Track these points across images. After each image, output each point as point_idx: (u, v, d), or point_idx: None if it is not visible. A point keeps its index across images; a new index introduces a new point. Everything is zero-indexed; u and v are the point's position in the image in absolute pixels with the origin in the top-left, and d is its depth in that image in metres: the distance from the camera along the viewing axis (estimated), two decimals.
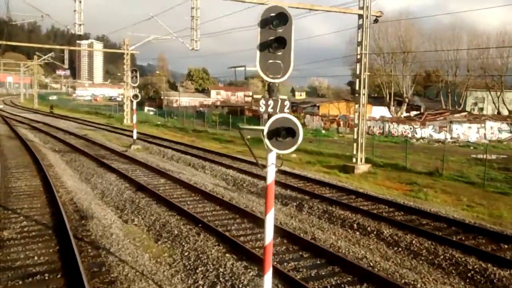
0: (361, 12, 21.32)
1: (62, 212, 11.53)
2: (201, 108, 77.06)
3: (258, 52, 6.10)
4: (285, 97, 6.43)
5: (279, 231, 11.03)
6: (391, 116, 53.94)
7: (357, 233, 11.75)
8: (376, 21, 21.99)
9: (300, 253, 9.82)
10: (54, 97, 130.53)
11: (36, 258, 8.84)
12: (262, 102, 6.16)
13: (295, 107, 58.81)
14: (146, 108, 75.25)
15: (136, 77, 27.64)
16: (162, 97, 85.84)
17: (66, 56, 42.62)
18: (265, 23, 6.04)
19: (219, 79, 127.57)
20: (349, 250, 10.20)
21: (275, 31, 6.06)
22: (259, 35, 6.07)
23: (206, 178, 18.57)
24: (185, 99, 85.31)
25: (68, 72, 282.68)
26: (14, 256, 8.93)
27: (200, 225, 11.55)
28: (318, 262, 9.33)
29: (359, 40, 21.69)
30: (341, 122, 47.22)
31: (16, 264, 8.57)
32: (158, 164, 21.06)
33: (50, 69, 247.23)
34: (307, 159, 25.82)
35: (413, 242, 10.85)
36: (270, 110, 6.20)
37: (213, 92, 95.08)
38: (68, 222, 10.79)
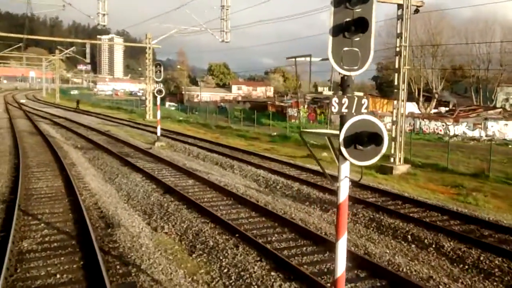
0: (401, 1, 19.87)
1: (86, 219, 10.52)
2: (222, 103, 76.06)
3: (330, 38, 4.88)
4: (361, 93, 5.19)
5: (326, 243, 9.84)
6: (419, 112, 52.05)
7: (413, 246, 10.47)
8: (417, 11, 20.49)
9: (356, 272, 8.59)
10: (76, 92, 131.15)
11: (58, 276, 7.81)
12: (334, 100, 4.93)
13: (320, 103, 57.28)
14: (167, 103, 74.57)
15: (160, 71, 26.65)
16: (183, 92, 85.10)
17: (88, 50, 41.98)
18: (340, 0, 4.82)
19: (239, 73, 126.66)
20: (410, 268, 8.93)
21: (352, 11, 4.84)
22: (331, 16, 4.85)
23: (236, 179, 17.43)
24: (206, 94, 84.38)
25: (89, 67, 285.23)
26: (34, 273, 7.92)
27: (237, 235, 10.42)
28: (379, 284, 8.09)
29: (399, 31, 20.25)
30: None
31: (36, 283, 7.55)
32: (185, 163, 20.01)
33: (72, 64, 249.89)
34: None
35: (481, 258, 9.53)
36: (344, 110, 4.96)
37: (234, 87, 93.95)
38: (93, 231, 9.77)
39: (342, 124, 4.94)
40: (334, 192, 15.06)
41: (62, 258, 8.58)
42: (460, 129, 39.84)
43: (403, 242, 10.66)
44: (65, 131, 31.78)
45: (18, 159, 19.10)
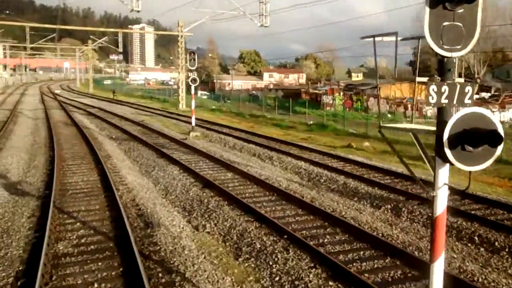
0: None
1: (124, 218, 9.86)
2: (254, 91, 75.17)
3: (426, 10, 3.88)
4: (462, 79, 4.18)
5: (385, 246, 8.89)
6: None
7: (482, 250, 9.37)
8: None
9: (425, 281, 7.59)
10: (109, 82, 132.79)
11: (96, 285, 7.13)
12: (432, 88, 3.94)
13: (355, 90, 55.65)
14: (199, 92, 74.09)
15: (194, 59, 25.91)
16: (214, 81, 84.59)
17: (120, 39, 41.73)
18: None
19: (269, 61, 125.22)
20: (485, 276, 7.89)
21: None
22: None
23: (277, 172, 16.56)
24: (238, 82, 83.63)
25: (121, 57, 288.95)
26: (70, 281, 7.28)
27: (285, 236, 9.56)
28: None
29: None
30: (409, 106, 43.83)
31: None
32: (222, 155, 19.26)
33: (104, 54, 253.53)
34: (382, 148, 23.27)
35: None
36: (443, 100, 3.96)
37: (265, 75, 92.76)
38: (132, 233, 9.09)
39: (441, 118, 3.95)
40: (385, 187, 14.09)
41: (100, 264, 7.91)
42: (506, 115, 37.76)
43: (470, 245, 9.58)
44: (100, 122, 31.57)
45: (53, 151, 18.76)
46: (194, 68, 26.08)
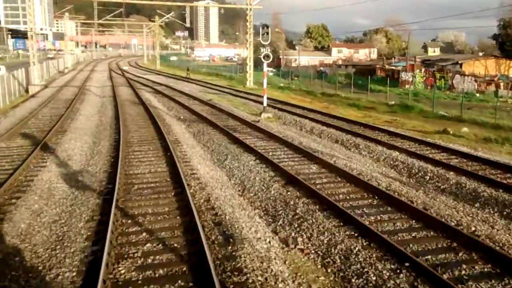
0: None
1: (199, 229, 7.95)
2: (321, 68, 71.78)
3: None
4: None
5: None
6: None
7: None
8: None
9: None
10: (175, 58, 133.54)
11: None
12: None
13: (435, 66, 51.04)
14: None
15: (268, 33, 23.68)
16: (280, 57, 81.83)
17: (188, 14, 40.23)
18: None
19: (334, 36, 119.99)
20: None
21: None
22: None
23: (368, 165, 14.12)
24: (305, 58, 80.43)
25: (186, 33, 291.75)
26: None
27: (407, 264, 7.25)
28: None
29: None
30: (501, 84, 39.19)
31: None
32: (301, 141, 17.05)
33: (170, 31, 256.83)
34: (484, 134, 20.05)
35: None
36: None
37: (334, 50, 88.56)
38: (210, 252, 7.15)
39: None
40: (503, 186, 11.28)
41: None
42: None
43: None
44: (167, 100, 30.28)
45: (118, 134, 17.39)
46: (267, 42, 23.86)
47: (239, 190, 11.45)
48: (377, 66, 57.51)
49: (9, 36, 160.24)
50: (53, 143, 16.09)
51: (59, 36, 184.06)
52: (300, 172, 12.77)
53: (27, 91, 36.14)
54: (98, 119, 21.94)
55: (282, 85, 47.80)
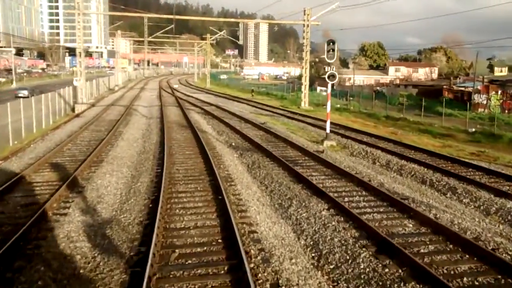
0: None
1: None
2: (378, 88, 67.85)
3: None
4: None
5: None
6: None
7: None
8: None
9: None
10: (225, 76, 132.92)
11: None
12: None
13: (504, 86, 46.10)
14: (318, 88, 68.84)
15: (333, 50, 20.74)
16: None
17: (241, 30, 37.90)
18: None
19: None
20: None
21: None
22: None
23: (478, 220, 10.76)
24: (359, 77, 76.61)
25: (236, 52, 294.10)
26: None
27: None
28: None
29: None
30: None
31: None
32: (380, 181, 13.85)
33: (220, 49, 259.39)
34: None
35: None
36: None
37: (391, 69, 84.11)
38: None
39: None
40: None
41: None
42: None
43: None
44: (217, 123, 27.77)
45: (161, 166, 14.83)
46: (333, 60, 20.91)
47: (313, 258, 8.44)
48: (444, 86, 52.98)
49: (67, 54, 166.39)
50: (84, 178, 13.68)
51: (114, 54, 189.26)
52: (393, 233, 9.60)
53: (73, 110, 34.87)
54: (141, 145, 19.58)
55: (338, 106, 44.50)
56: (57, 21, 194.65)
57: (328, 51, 20.79)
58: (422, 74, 79.31)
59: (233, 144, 20.74)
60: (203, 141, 19.86)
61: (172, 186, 12.89)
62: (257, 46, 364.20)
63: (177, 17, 37.84)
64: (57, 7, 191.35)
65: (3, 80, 69.05)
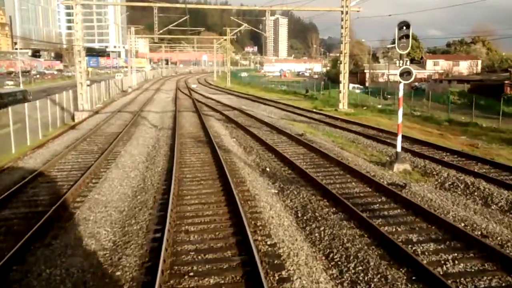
0: None
1: None
2: (416, 83, 61.20)
3: None
4: None
5: None
6: None
7: None
8: None
9: None
10: (245, 74, 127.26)
11: None
12: None
13: None
14: (350, 85, 62.41)
15: (407, 36, 14.78)
16: (365, 71, 71.96)
17: (267, 21, 32.10)
18: None
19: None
20: None
21: None
22: None
23: None
24: (393, 73, 69.86)
25: (255, 49, 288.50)
26: None
27: None
28: None
29: None
30: None
31: None
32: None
33: (239, 46, 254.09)
34: None
35: None
36: None
37: (429, 62, 76.83)
38: None
39: None
40: None
41: None
42: None
43: None
44: (243, 135, 22.06)
45: (163, 223, 9.21)
46: (406, 51, 14.95)
47: None
48: (506, 82, 46.01)
49: (84, 54, 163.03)
50: (32, 255, 8.10)
51: (131, 54, 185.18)
52: None
53: (73, 118, 29.65)
54: (140, 177, 13.97)
55: (380, 106, 38.31)
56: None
57: (400, 38, 14.80)
58: (464, 67, 72.04)
59: (268, 169, 15.01)
60: (225, 166, 14.20)
61: (178, 264, 7.25)
62: (276, 43, 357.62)
63: (190, 5, 32.15)
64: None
65: (10, 83, 64.59)
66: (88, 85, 33.07)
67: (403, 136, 21.52)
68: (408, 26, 14.73)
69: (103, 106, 38.22)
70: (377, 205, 11.12)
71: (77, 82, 30.46)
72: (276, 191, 12.58)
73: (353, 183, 13.07)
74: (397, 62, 15.27)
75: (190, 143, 19.61)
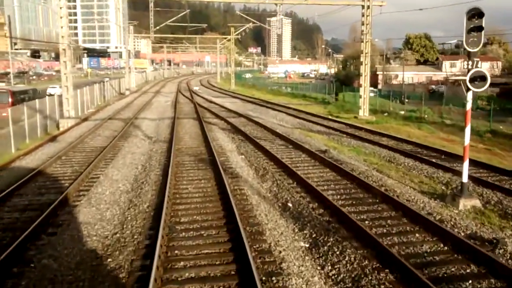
0: None
1: None
2: (433, 86, 57.31)
3: None
4: None
5: None
6: None
7: None
8: None
9: None
10: (249, 75, 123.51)
11: None
12: None
13: None
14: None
15: (480, 29, 10.93)
16: (377, 73, 67.99)
17: (278, 16, 28.35)
18: None
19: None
20: None
21: None
22: None
23: None
24: (407, 74, 66.03)
25: (259, 49, 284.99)
26: None
27: None
28: None
29: None
30: None
31: None
32: None
33: (243, 47, 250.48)
34: None
35: None
36: None
37: (445, 64, 72.58)
38: None
39: None
40: None
41: None
42: None
43: None
44: (253, 151, 18.23)
45: None
46: (477, 48, 11.13)
47: None
48: None
49: (85, 55, 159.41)
50: None
51: (135, 55, 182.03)
52: None
53: (59, 126, 25.96)
54: (119, 219, 10.18)
55: (403, 112, 34.43)
56: (75, 21, 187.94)
57: (468, 32, 10.97)
58: (484, 69, 67.72)
59: (290, 205, 11.24)
60: (236, 207, 10.44)
61: None
62: (280, 44, 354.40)
63: None
64: (75, 7, 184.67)
65: (1, 84, 60.91)
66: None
67: (445, 153, 17.76)
68: (481, 15, 10.90)
69: (96, 111, 34.51)
70: (469, 281, 7.31)
71: (62, 86, 26.68)
72: (307, 245, 8.82)
73: (416, 235, 9.24)
74: (464, 63, 11.45)
75: (189, 163, 15.81)
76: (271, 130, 23.44)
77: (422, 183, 13.45)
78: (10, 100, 27.22)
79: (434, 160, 16.18)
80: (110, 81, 55.44)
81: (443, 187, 13.02)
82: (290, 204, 11.39)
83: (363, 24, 29.23)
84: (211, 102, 42.31)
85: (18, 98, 28.70)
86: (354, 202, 11.44)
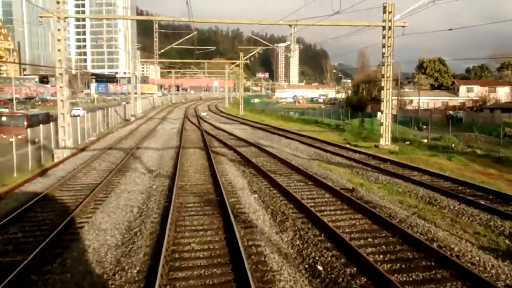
0: None
1: None
2: (451, 112, 54.84)
3: None
4: None
5: None
6: None
7: None
8: None
9: None
10: (257, 100, 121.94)
11: None
12: None
13: None
14: (378, 114, 56.18)
15: None
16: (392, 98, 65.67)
17: (292, 37, 26.20)
18: None
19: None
20: None
21: None
22: None
23: None
24: (423, 99, 63.65)
25: (267, 75, 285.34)
26: None
27: None
28: None
29: None
30: None
31: None
32: None
33: (250, 72, 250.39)
34: None
35: None
36: None
37: (462, 88, 70.12)
38: None
39: None
40: None
41: None
42: None
43: None
44: (267, 188, 15.78)
45: None
46: None
47: None
48: None
49: (93, 80, 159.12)
50: None
51: (143, 80, 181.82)
52: None
53: (54, 157, 23.76)
54: None
55: (426, 141, 31.88)
56: (84, 47, 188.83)
57: None
58: (503, 93, 65.36)
59: (321, 269, 8.75)
60: (251, 275, 7.95)
61: None
62: (287, 69, 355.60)
63: (194, 20, 26.33)
64: (84, 33, 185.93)
65: (3, 110, 59.37)
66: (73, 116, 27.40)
67: (492, 192, 15.24)
68: None
69: (97, 138, 32.38)
70: None
71: (58, 113, 24.56)
72: None
73: None
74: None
75: (193, 207, 13.37)
76: (286, 162, 21.03)
77: (479, 235, 10.90)
78: (25, 123, 27.76)
79: (483, 202, 13.63)
80: (116, 107, 53.56)
81: (507, 241, 10.47)
82: (320, 267, 8.91)
83: (383, 46, 26.98)
84: (219, 129, 40.07)
85: (33, 121, 29.10)
86: (403, 266, 8.91)
